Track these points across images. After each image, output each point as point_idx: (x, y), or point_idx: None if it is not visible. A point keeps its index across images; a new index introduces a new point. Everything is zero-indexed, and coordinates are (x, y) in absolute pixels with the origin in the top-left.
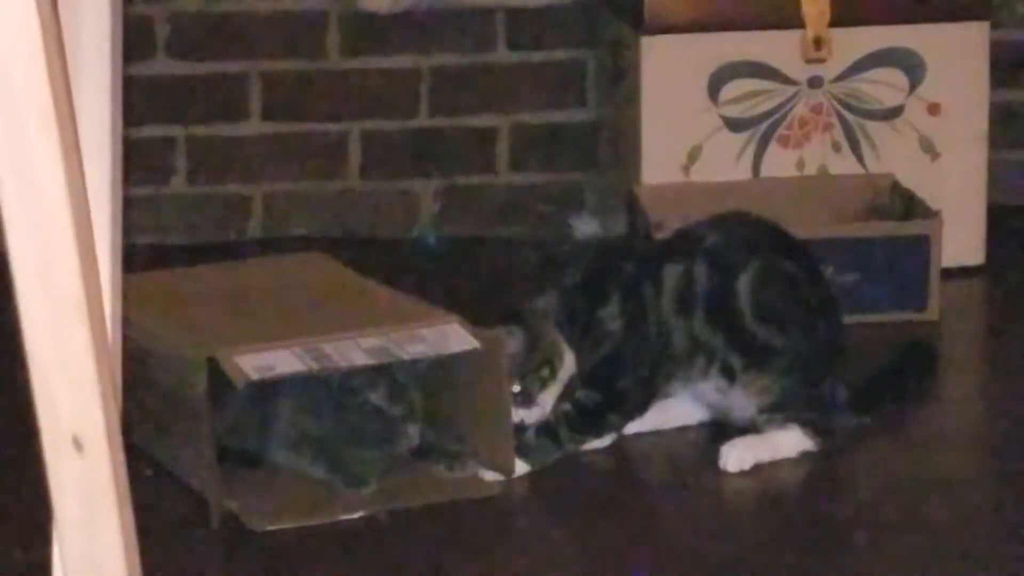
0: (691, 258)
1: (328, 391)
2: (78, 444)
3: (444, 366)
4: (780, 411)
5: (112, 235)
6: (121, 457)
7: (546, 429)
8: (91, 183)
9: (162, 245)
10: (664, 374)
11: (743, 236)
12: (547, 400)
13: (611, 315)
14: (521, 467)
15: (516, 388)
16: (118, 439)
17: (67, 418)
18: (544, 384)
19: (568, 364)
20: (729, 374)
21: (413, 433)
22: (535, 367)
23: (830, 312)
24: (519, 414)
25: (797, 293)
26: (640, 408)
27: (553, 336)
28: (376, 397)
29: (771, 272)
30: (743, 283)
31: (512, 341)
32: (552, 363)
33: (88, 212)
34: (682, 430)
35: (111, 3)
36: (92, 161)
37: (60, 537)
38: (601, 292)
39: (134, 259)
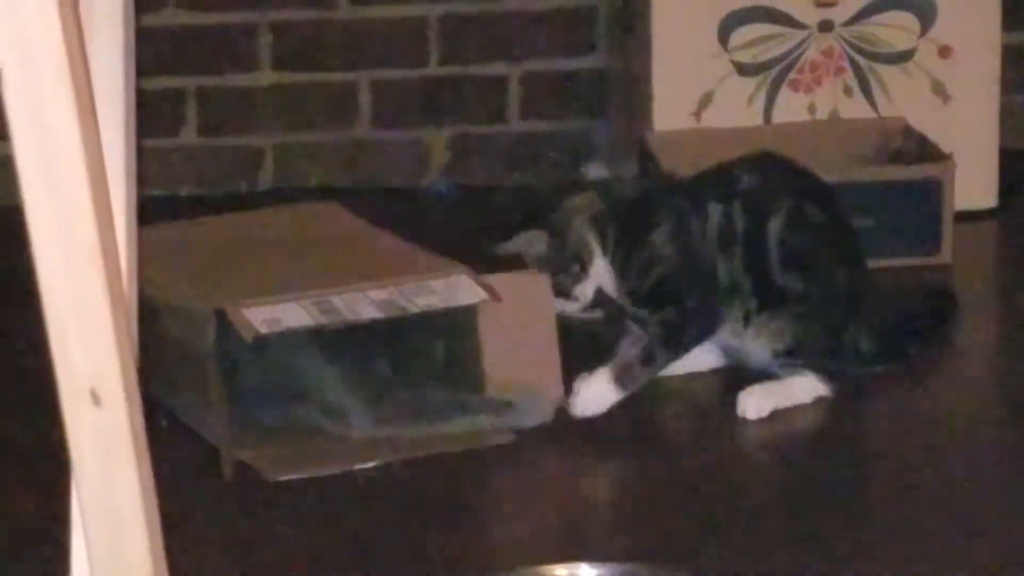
0: (730, 198)
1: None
2: (95, 396)
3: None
4: (794, 356)
5: (127, 188)
6: (139, 409)
7: (646, 356)
8: (105, 136)
9: (173, 197)
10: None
11: (777, 179)
12: (586, 292)
13: (662, 240)
14: (618, 394)
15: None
16: (135, 391)
17: (84, 371)
18: (577, 280)
19: (598, 263)
20: (746, 316)
21: None
22: (566, 265)
23: (853, 261)
24: (560, 304)
25: (822, 240)
26: (710, 329)
27: (583, 232)
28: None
29: (800, 217)
30: (773, 226)
31: (537, 244)
32: (582, 259)
33: (103, 165)
34: (696, 375)
35: None
36: (106, 114)
37: (78, 490)
38: (650, 218)
39: (145, 211)
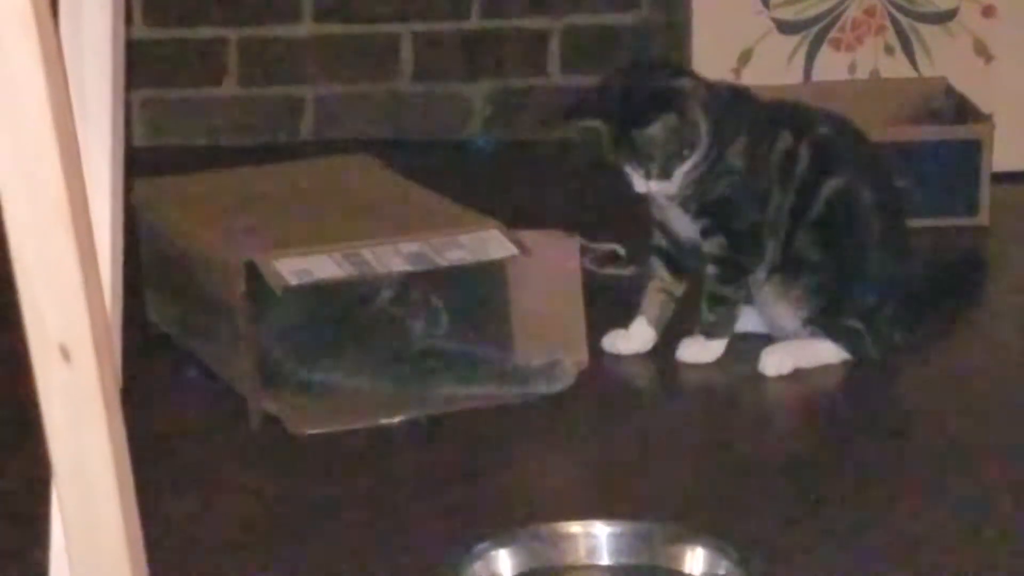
0: (800, 136)
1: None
2: (65, 353)
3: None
4: (820, 324)
5: (113, 138)
6: (109, 365)
7: (713, 300)
8: (90, 85)
9: (214, 147)
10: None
11: (850, 143)
12: (679, 175)
13: (737, 153)
14: (718, 347)
15: (654, 163)
16: (106, 347)
17: (53, 327)
18: (682, 161)
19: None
20: (770, 267)
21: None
22: (679, 148)
23: (896, 250)
24: (649, 185)
25: (864, 224)
26: (759, 252)
27: (697, 118)
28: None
29: (852, 192)
30: (825, 189)
31: (664, 127)
32: (693, 144)
33: (70, 115)
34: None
35: None
36: (92, 66)
37: (50, 446)
38: (731, 129)
39: (185, 160)
